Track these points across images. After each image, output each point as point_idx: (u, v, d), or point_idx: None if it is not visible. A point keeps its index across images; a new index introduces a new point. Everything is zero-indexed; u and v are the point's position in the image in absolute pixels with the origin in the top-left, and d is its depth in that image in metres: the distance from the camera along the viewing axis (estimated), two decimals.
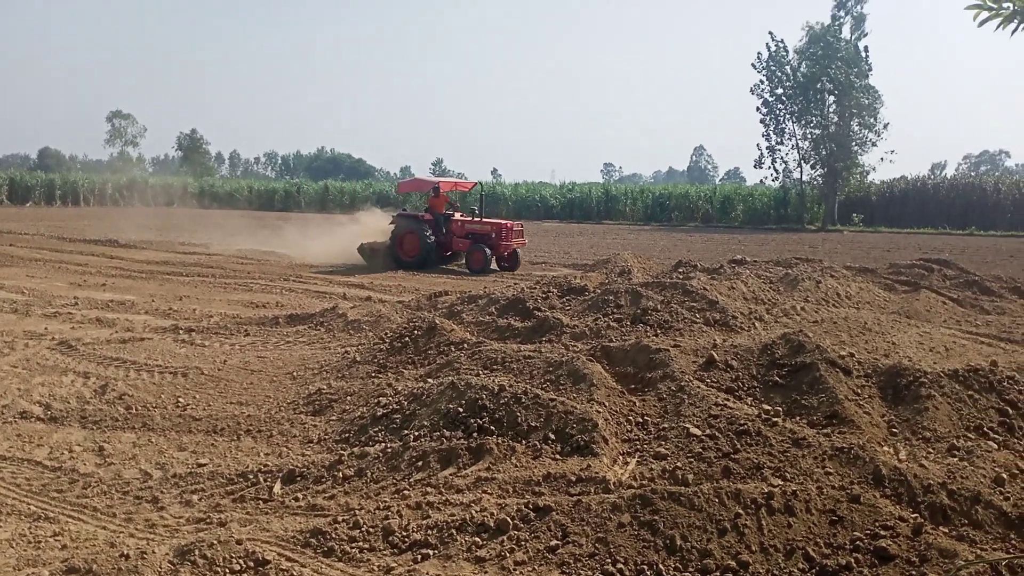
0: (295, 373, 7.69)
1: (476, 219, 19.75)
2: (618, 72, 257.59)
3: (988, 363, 5.89)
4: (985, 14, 3.77)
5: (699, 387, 5.66)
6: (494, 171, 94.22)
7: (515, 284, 10.69)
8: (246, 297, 13.32)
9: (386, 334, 8.40)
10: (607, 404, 5.55)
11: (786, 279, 10.84)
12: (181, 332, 9.57)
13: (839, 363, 5.88)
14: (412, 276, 17.60)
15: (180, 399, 6.79)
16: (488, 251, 18.37)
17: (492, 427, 5.22)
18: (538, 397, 5.42)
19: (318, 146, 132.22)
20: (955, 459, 4.58)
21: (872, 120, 42.19)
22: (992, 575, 3.17)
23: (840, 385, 5.60)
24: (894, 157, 52.60)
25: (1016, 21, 3.70)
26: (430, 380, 6.29)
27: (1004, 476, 4.27)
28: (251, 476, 4.97)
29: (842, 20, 42.76)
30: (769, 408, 5.33)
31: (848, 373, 5.81)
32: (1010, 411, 5.35)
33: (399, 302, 11.56)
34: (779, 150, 44.23)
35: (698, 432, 4.92)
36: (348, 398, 6.52)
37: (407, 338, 7.84)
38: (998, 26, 3.74)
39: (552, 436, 5.04)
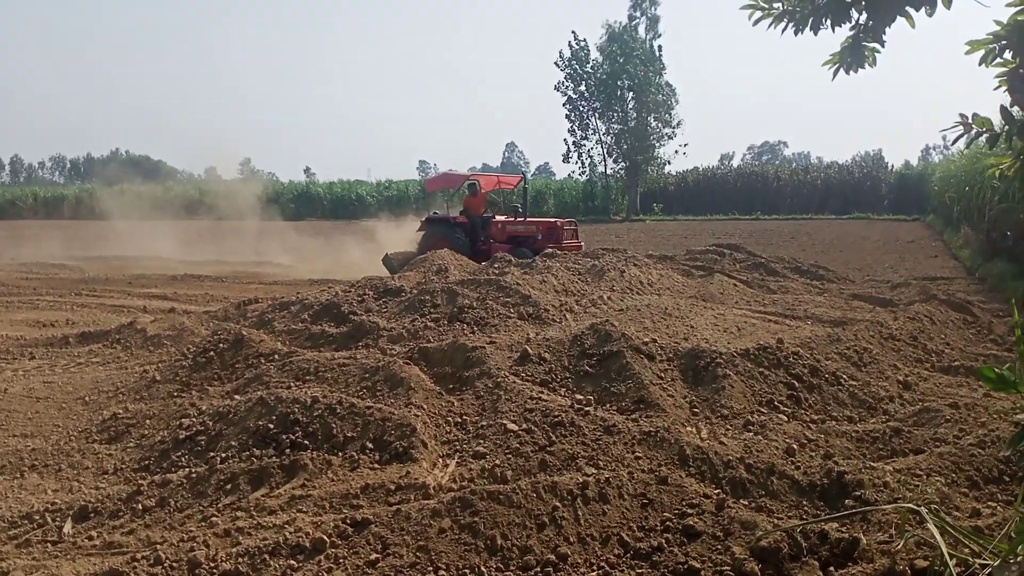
0: (87, 398, 7.05)
1: (519, 219, 17.17)
2: (430, 69, 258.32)
3: (775, 340, 6.37)
4: (758, 13, 4.06)
5: (515, 382, 5.73)
6: (307, 169, 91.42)
7: (329, 288, 10.38)
8: (31, 316, 12.06)
9: (189, 349, 7.88)
10: (425, 407, 5.50)
11: (593, 270, 11.24)
12: None
13: (643, 349, 6.15)
14: (221, 283, 16.71)
15: None
16: (532, 255, 15.57)
17: (306, 441, 5.01)
18: (354, 406, 5.27)
19: (111, 148, 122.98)
20: (751, 434, 4.89)
21: (667, 116, 44.98)
22: (788, 542, 3.39)
23: (645, 371, 5.86)
24: (687, 150, 56.52)
25: (786, 20, 4.01)
26: (237, 396, 5.96)
27: (795, 447, 4.61)
28: (37, 516, 4.48)
29: (638, 20, 45.24)
30: (581, 398, 5.49)
31: (652, 358, 6.09)
32: (796, 384, 5.80)
33: (205, 313, 10.92)
34: (585, 145, 46.18)
35: (515, 427, 4.97)
36: (147, 422, 6.05)
37: (212, 352, 7.40)
38: (770, 25, 4.03)
39: (370, 445, 4.91)
